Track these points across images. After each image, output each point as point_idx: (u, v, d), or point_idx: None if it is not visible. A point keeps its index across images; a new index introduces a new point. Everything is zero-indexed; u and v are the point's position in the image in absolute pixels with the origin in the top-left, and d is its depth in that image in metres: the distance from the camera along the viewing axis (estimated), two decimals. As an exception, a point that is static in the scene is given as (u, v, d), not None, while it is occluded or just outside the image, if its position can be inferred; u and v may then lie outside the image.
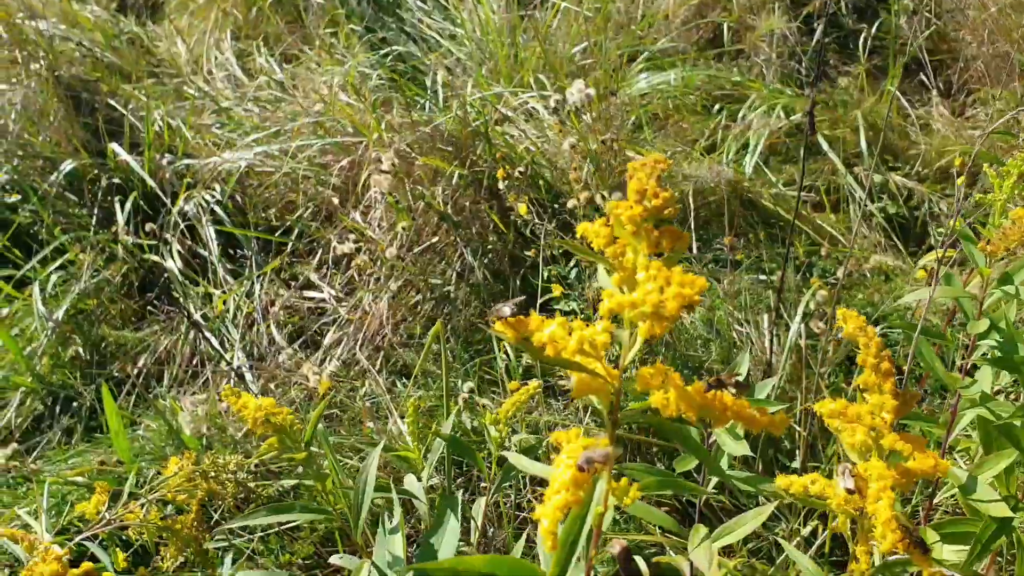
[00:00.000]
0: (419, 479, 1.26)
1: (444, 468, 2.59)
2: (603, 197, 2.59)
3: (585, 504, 0.85)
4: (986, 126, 4.43)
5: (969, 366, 1.40)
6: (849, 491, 0.99)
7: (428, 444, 1.27)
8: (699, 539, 1.49)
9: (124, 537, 2.20)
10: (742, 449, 1.46)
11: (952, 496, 1.86)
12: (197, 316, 3.36)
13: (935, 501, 1.47)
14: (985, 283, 1.33)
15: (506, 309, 0.88)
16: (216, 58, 4.68)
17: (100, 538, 2.40)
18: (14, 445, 2.88)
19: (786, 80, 4.79)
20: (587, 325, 0.85)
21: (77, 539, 1.73)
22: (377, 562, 1.08)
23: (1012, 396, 2.12)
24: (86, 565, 1.40)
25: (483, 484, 2.70)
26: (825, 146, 4.19)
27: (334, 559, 1.15)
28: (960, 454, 2.20)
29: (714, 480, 1.57)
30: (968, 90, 4.73)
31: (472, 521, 1.27)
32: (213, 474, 1.86)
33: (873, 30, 4.88)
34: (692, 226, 3.51)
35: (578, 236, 0.92)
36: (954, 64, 4.86)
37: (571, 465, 0.83)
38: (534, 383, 1.32)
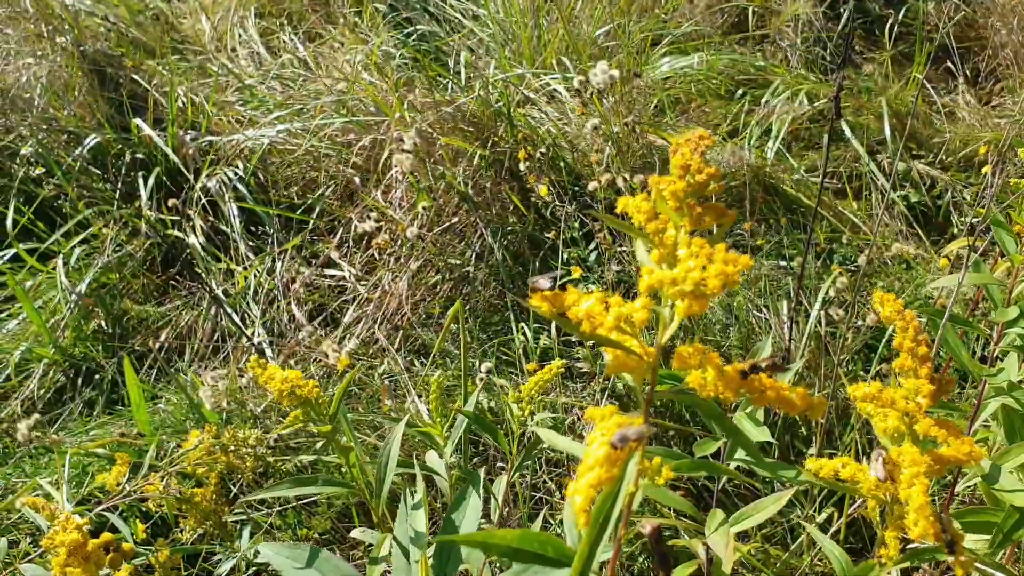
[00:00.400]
0: (440, 456, 1.27)
1: (462, 448, 2.60)
2: (624, 180, 2.58)
3: (617, 482, 0.85)
4: (1014, 115, 4.37)
5: (996, 354, 1.40)
6: (881, 478, 0.99)
7: (450, 421, 1.28)
8: (716, 523, 1.49)
9: (144, 509, 2.23)
10: (763, 435, 1.46)
11: (972, 486, 1.85)
12: (218, 292, 3.38)
13: (955, 490, 1.46)
14: (1016, 270, 1.32)
15: (544, 282, 0.87)
16: (240, 36, 4.69)
17: (120, 509, 2.44)
18: (36, 416, 2.91)
19: (810, 66, 4.75)
20: (625, 302, 0.84)
21: (97, 509, 1.76)
22: (399, 536, 1.09)
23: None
24: (106, 535, 1.42)
25: (499, 464, 2.72)
26: (848, 133, 4.16)
27: (355, 533, 1.16)
28: (980, 444, 2.19)
29: (732, 465, 1.57)
30: (996, 78, 4.67)
31: (493, 499, 1.28)
32: (232, 448, 1.88)
33: (900, 16, 4.82)
34: (713, 211, 3.50)
35: (618, 211, 0.91)
36: (982, 51, 4.80)
37: (605, 442, 0.82)
38: (557, 362, 1.32)
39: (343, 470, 1.93)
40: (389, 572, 1.13)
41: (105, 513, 1.82)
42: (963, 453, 0.99)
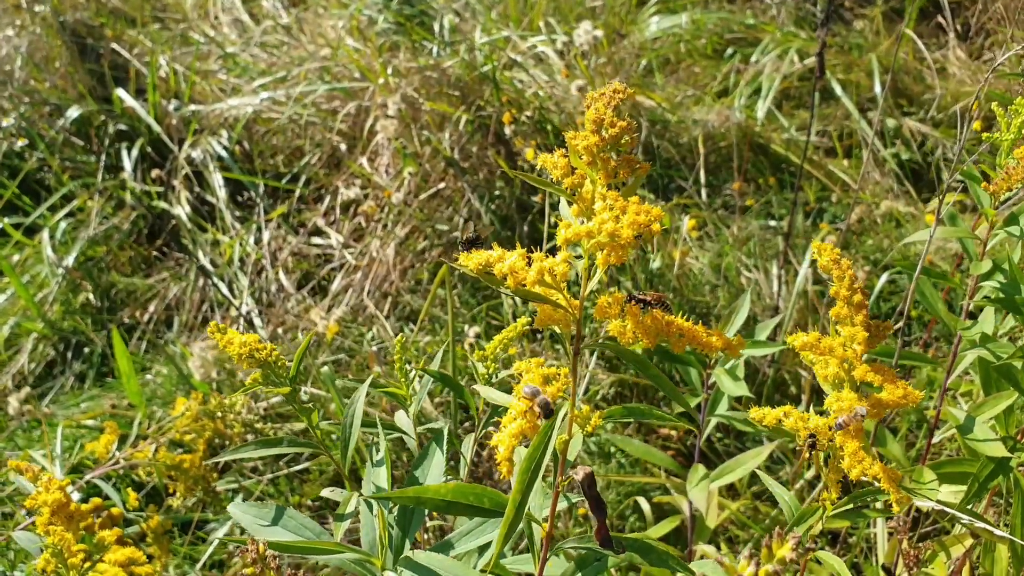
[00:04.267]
0: (408, 415, 1.27)
1: (451, 412, 2.61)
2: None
3: (546, 432, 0.87)
4: (1006, 69, 4.33)
5: (971, 308, 1.39)
6: (838, 427, 1.00)
7: (413, 380, 1.28)
8: (698, 478, 1.50)
9: (135, 478, 2.23)
10: (740, 390, 1.46)
11: (953, 438, 1.86)
12: (206, 262, 3.37)
13: (934, 441, 1.47)
14: (990, 224, 1.31)
15: (466, 240, 0.89)
16: (222, 3, 4.62)
17: (112, 478, 2.45)
18: (27, 389, 2.91)
19: (800, 23, 4.70)
20: (547, 257, 0.85)
21: (87, 477, 1.76)
22: (365, 493, 1.09)
23: (1019, 341, 2.11)
24: (95, 500, 1.42)
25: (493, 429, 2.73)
26: (839, 90, 4.12)
27: (325, 492, 1.17)
28: (964, 397, 2.20)
29: (714, 421, 1.58)
30: (986, 32, 4.63)
31: (462, 457, 1.28)
32: (220, 414, 1.88)
33: (890, -29, 4.76)
34: (702, 172, 3.48)
35: (538, 168, 0.92)
36: (972, 6, 4.75)
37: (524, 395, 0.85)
38: (523, 320, 1.32)
39: (334, 437, 1.93)
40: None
41: (97, 482, 1.82)
42: (898, 396, 1.00)
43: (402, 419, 1.30)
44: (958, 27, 4.65)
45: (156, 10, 4.68)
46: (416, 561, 0.95)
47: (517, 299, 2.85)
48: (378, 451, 1.14)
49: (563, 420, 0.92)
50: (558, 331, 0.94)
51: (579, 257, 0.90)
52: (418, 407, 1.26)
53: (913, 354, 1.41)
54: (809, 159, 3.68)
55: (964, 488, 1.64)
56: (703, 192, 3.45)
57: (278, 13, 4.21)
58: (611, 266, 0.88)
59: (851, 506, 1.11)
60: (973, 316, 1.44)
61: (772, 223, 3.40)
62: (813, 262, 2.95)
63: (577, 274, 0.92)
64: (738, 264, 3.12)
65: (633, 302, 0.90)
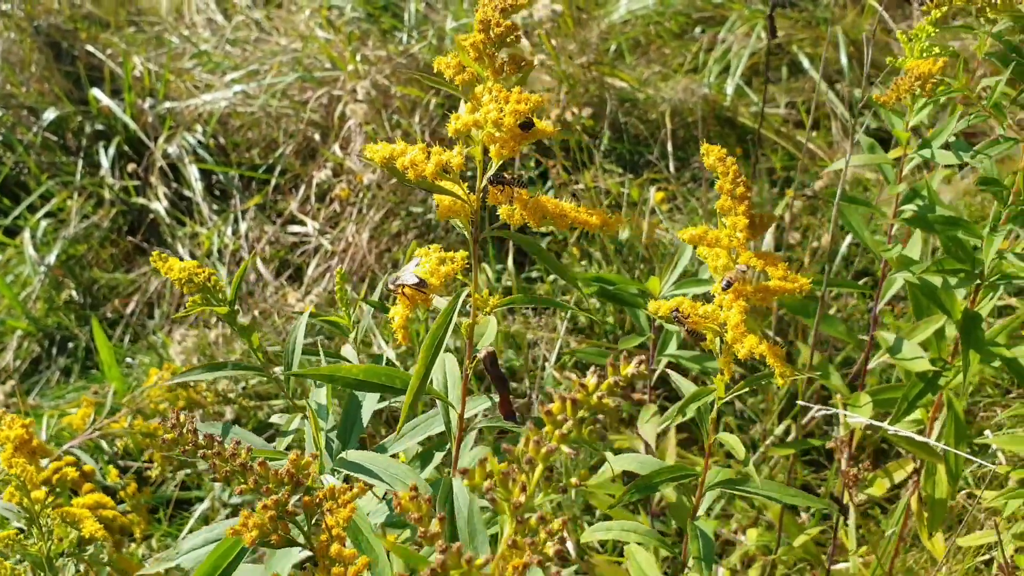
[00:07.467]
0: (351, 344, 1.33)
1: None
2: (572, 113, 2.62)
3: (447, 312, 0.93)
4: (971, 37, 4.40)
5: (895, 232, 1.44)
6: (726, 286, 1.07)
7: (356, 312, 1.34)
8: (648, 416, 1.55)
9: (115, 450, 2.28)
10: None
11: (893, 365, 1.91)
12: (184, 254, 3.41)
13: (868, 367, 1.52)
14: (904, 146, 1.37)
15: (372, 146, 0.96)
16: (197, 4, 4.67)
17: (96, 459, 2.49)
18: (12, 382, 2.96)
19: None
20: (445, 151, 0.91)
21: (65, 447, 1.81)
22: (317, 420, 1.15)
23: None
24: (68, 458, 1.48)
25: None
26: (806, 63, 4.18)
27: (274, 418, 1.22)
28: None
29: (664, 362, 1.62)
30: (950, 2, 4.68)
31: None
32: (192, 384, 1.93)
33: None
34: (669, 145, 3.54)
35: (435, 71, 0.98)
36: (937, -23, 4.81)
37: (417, 273, 0.92)
38: (461, 253, 1.38)
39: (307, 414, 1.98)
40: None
41: (75, 451, 1.86)
42: (779, 277, 1.06)
43: (347, 349, 1.35)
44: (923, -2, 4.71)
45: (131, 14, 4.73)
46: (350, 460, 1.00)
47: (490, 275, 2.90)
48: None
49: (463, 303, 0.98)
50: (459, 225, 1.00)
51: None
52: (360, 335, 1.32)
53: (841, 281, 1.46)
54: (777, 131, 3.74)
55: (915, 419, 1.70)
56: (671, 166, 3.50)
57: (250, 9, 4.27)
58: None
59: (745, 389, 1.16)
60: (889, 238, 1.50)
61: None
62: (779, 227, 3.00)
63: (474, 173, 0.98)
64: (707, 233, 3.18)
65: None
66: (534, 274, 3.07)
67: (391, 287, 0.95)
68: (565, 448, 0.60)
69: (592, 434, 0.61)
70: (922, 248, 1.41)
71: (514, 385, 2.65)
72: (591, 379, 0.61)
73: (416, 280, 0.95)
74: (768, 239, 2.94)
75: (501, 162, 0.92)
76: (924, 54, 1.36)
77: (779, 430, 2.56)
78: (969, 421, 2.61)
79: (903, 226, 1.41)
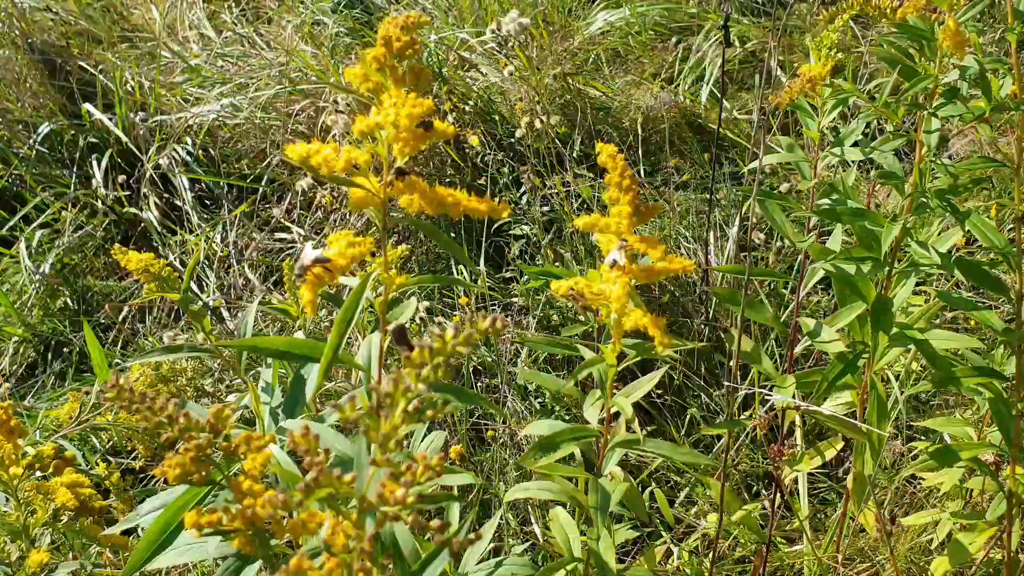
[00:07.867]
0: (300, 329, 1.46)
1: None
2: (541, 121, 2.74)
3: (359, 290, 1.05)
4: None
5: (811, 226, 1.56)
6: (611, 263, 1.19)
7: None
8: (593, 399, 1.67)
9: (105, 447, 2.39)
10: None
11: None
12: (176, 262, 3.54)
13: (795, 351, 1.63)
14: (817, 145, 1.49)
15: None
16: (189, 21, 4.81)
17: (82, 453, 2.61)
18: (7, 385, 3.08)
19: (743, 9, 4.89)
20: (355, 149, 1.03)
21: (53, 438, 1.92)
22: (258, 391, 1.27)
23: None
24: (51, 444, 1.59)
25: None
26: (778, 71, 4.31)
27: (230, 398, 1.34)
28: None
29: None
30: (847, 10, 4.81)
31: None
32: (172, 377, 2.05)
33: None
34: (639, 151, 3.66)
35: (346, 82, 1.11)
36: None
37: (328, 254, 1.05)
38: (403, 247, 1.50)
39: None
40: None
41: (60, 442, 1.98)
42: (658, 257, 1.19)
43: (298, 336, 1.48)
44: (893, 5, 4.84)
45: (125, 30, 4.87)
46: (288, 428, 1.12)
47: (466, 277, 3.02)
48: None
49: (372, 282, 1.11)
50: (371, 213, 1.12)
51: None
52: (309, 324, 1.44)
53: (762, 270, 1.58)
54: (746, 135, 3.86)
55: (847, 401, 1.82)
56: (642, 170, 3.63)
57: (238, 25, 4.41)
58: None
59: (637, 358, 1.28)
60: (807, 231, 1.62)
61: (708, 195, 3.58)
62: (741, 225, 3.13)
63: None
64: (676, 235, 3.30)
65: (398, 176, 1.08)
66: (508, 275, 3.19)
67: (296, 275, 1.07)
68: (422, 386, 0.72)
69: (447, 375, 0.73)
70: (844, 240, 1.53)
71: (486, 380, 2.77)
72: (449, 332, 0.73)
73: (314, 257, 1.07)
74: (732, 236, 3.06)
75: (405, 158, 1.04)
76: (824, 60, 1.48)
77: (744, 416, 2.67)
78: (921, 409, 2.73)
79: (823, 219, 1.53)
